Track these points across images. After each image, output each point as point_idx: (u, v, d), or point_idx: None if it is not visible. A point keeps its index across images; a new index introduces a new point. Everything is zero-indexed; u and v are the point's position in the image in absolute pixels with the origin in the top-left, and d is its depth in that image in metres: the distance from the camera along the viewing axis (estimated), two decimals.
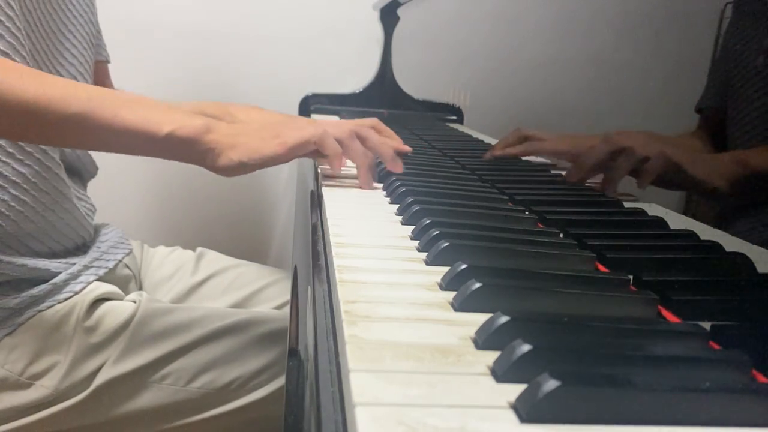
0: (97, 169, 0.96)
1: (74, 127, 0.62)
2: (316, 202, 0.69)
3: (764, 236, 0.47)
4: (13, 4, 0.71)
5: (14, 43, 0.72)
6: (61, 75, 0.84)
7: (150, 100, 0.66)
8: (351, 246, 0.50)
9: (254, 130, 0.67)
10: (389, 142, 0.79)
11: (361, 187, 0.72)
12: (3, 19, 0.70)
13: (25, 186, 0.75)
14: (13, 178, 0.74)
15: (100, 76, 1.04)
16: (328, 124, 0.73)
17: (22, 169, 0.75)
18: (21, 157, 0.75)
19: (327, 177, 0.74)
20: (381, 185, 0.74)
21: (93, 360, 0.75)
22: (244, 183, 1.82)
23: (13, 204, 0.74)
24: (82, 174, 0.91)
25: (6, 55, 0.70)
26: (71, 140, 0.67)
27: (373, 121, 0.84)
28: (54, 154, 0.79)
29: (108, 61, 1.04)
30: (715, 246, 0.51)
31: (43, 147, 0.77)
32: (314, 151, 0.70)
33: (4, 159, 0.73)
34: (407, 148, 0.84)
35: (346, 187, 0.73)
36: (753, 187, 0.54)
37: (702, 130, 0.62)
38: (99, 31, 1.01)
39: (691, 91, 0.62)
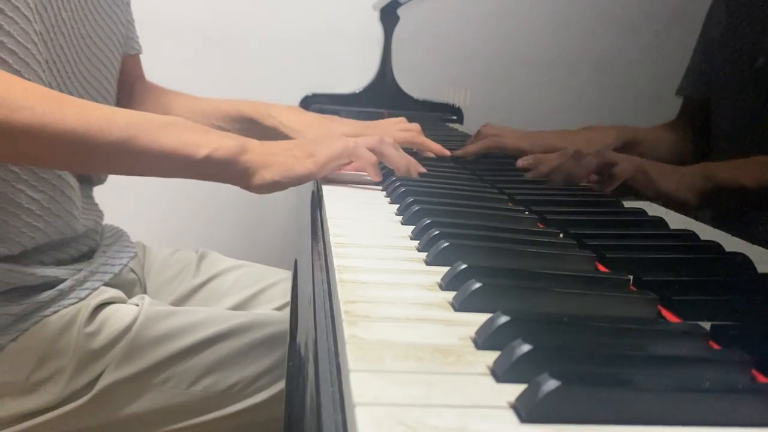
0: (106, 176, 0.95)
1: (115, 155, 0.63)
2: (317, 202, 0.69)
3: (764, 236, 0.47)
4: (36, 27, 0.71)
5: (37, 69, 0.71)
6: (89, 82, 0.83)
7: (184, 121, 0.67)
8: (351, 246, 0.50)
9: (286, 149, 0.69)
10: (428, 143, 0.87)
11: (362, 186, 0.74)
12: (24, 42, 0.69)
13: (39, 212, 0.74)
14: (27, 206, 0.73)
15: (134, 69, 1.02)
16: (362, 129, 0.78)
17: (36, 196, 0.74)
18: (35, 183, 0.74)
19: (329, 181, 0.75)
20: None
21: (96, 364, 0.74)
22: None
23: (24, 230, 0.74)
24: (92, 180, 0.90)
25: (18, 72, 0.69)
26: (113, 167, 0.69)
27: (415, 126, 0.91)
28: (68, 177, 0.78)
29: (140, 53, 1.03)
30: (715, 246, 0.51)
31: (58, 172, 0.76)
32: (348, 162, 0.71)
33: (18, 186, 0.72)
34: (446, 152, 0.90)
35: (346, 187, 0.73)
36: (719, 200, 0.54)
37: (682, 119, 0.62)
38: (131, 23, 0.99)
39: None
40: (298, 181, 0.67)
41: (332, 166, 0.69)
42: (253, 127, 0.96)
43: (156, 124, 0.65)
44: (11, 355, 0.73)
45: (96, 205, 0.91)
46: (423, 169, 0.76)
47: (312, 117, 0.95)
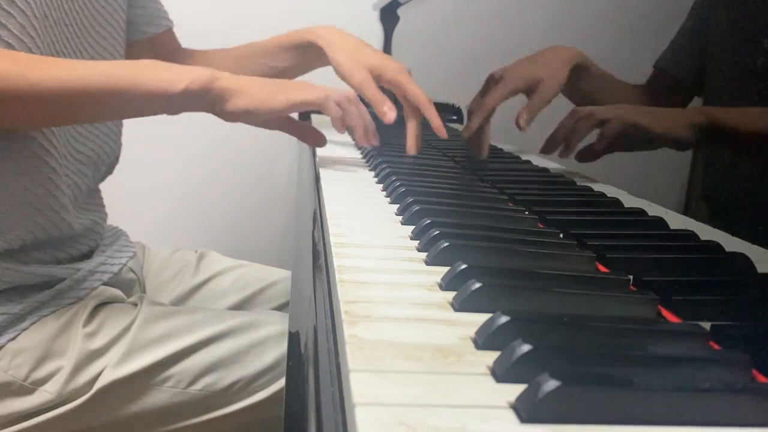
0: (113, 167, 0.95)
1: (102, 103, 0.69)
2: (316, 201, 0.69)
3: (765, 236, 0.47)
4: (34, 22, 0.71)
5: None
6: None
7: (158, 62, 0.72)
8: (351, 246, 0.50)
9: (262, 83, 0.75)
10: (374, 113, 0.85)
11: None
12: (25, 40, 0.70)
13: (37, 207, 0.75)
14: (26, 199, 0.74)
15: (169, 43, 1.04)
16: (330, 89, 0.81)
17: (36, 191, 0.75)
18: (34, 177, 0.74)
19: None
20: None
21: (95, 364, 0.74)
22: (245, 182, 1.82)
23: (23, 224, 0.74)
24: (98, 169, 0.90)
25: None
26: (102, 114, 0.76)
27: (399, 68, 0.87)
28: (60, 182, 0.77)
29: (171, 27, 1.04)
30: (715, 246, 0.51)
31: (51, 176, 0.75)
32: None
33: (19, 179, 0.73)
34: (444, 134, 0.86)
35: (346, 187, 0.73)
36: (712, 140, 0.55)
37: (651, 88, 0.62)
38: (156, 1, 1.00)
39: None
40: (268, 112, 0.73)
41: (300, 109, 0.77)
42: (307, 52, 0.97)
43: (135, 69, 0.70)
44: (10, 355, 0.73)
45: (102, 206, 0.91)
46: (376, 141, 0.85)
47: (350, 39, 0.94)
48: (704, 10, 0.57)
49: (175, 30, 1.06)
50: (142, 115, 0.73)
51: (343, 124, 0.81)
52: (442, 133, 0.86)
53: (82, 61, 0.70)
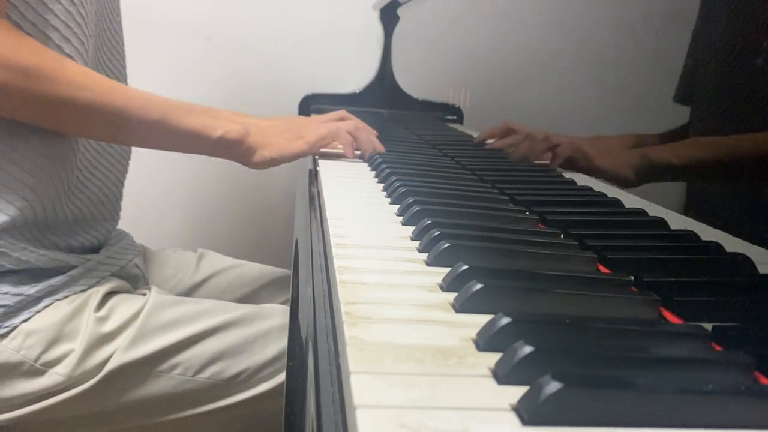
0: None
1: (151, 131, 0.76)
2: (316, 202, 0.69)
3: (765, 236, 0.47)
4: (81, 10, 0.75)
5: (79, 48, 0.76)
6: (115, 67, 0.90)
7: (201, 107, 0.80)
8: (351, 247, 0.50)
9: (280, 132, 0.84)
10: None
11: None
12: (72, 25, 0.74)
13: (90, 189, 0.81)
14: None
15: None
16: (332, 121, 0.92)
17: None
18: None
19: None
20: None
21: (104, 348, 0.76)
22: (245, 184, 1.82)
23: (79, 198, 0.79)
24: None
25: (60, 48, 0.74)
26: (147, 142, 0.82)
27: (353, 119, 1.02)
28: (80, 164, 0.81)
29: None
30: (716, 246, 0.51)
31: (76, 153, 0.80)
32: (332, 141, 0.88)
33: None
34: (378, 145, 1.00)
35: (346, 187, 0.73)
36: (656, 177, 0.61)
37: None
38: None
39: None
40: (291, 158, 0.83)
41: (320, 145, 0.86)
42: None
43: (182, 109, 0.77)
44: (23, 335, 0.74)
45: (118, 209, 0.93)
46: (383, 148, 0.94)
47: (277, 123, 1.01)
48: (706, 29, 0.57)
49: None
50: (179, 151, 0.80)
51: (353, 150, 0.91)
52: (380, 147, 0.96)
53: (139, 90, 0.77)
